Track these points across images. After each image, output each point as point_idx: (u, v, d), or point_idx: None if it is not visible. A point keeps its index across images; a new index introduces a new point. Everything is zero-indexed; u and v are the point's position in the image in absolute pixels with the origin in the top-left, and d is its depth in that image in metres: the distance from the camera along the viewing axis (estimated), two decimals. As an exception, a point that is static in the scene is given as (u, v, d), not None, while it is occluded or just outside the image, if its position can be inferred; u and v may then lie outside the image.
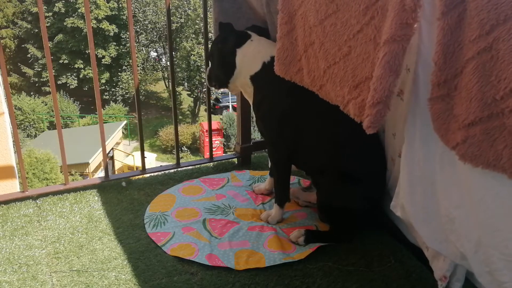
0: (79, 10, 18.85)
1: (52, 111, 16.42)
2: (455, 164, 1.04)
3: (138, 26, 19.18)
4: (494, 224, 0.99)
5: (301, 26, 1.45)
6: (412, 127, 1.17)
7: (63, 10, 19.29)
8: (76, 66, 19.63)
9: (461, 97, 0.96)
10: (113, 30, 19.68)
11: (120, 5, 19.87)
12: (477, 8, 0.89)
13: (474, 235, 1.05)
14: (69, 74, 19.86)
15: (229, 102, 17.78)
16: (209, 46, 2.02)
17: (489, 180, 0.97)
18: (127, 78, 20.02)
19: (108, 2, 19.68)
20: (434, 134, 1.06)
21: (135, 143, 16.81)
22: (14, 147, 2.28)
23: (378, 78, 1.04)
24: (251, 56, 1.76)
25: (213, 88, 2.04)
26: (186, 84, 19.54)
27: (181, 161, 2.37)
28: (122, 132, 16.55)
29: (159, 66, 21.44)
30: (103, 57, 19.42)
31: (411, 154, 1.19)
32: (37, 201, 2.03)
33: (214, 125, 14.08)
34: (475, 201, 1.02)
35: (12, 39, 20.77)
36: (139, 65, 19.50)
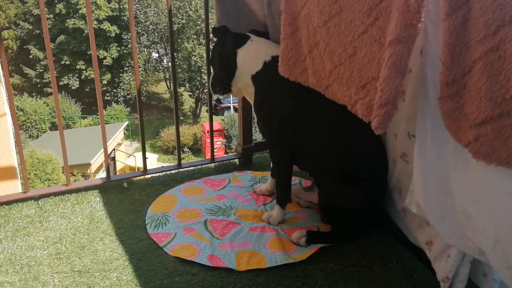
0: (80, 11, 18.89)
1: (54, 112, 16.48)
2: (468, 162, 1.04)
3: (140, 27, 19.21)
4: (510, 221, 0.98)
5: (304, 27, 1.45)
6: (423, 126, 1.17)
7: (64, 11, 19.33)
8: (77, 67, 19.68)
9: (471, 96, 0.96)
10: (114, 31, 19.71)
11: (121, 6, 19.91)
12: (482, 8, 0.89)
13: (490, 231, 1.05)
14: (71, 75, 19.90)
15: (230, 103, 17.80)
16: (211, 47, 2.03)
17: (503, 178, 0.97)
18: (129, 79, 20.05)
19: (109, 3, 19.72)
20: (446, 133, 1.06)
21: (137, 144, 16.84)
22: (16, 148, 2.28)
23: (385, 79, 1.04)
24: (252, 56, 1.76)
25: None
26: (187, 85, 19.57)
27: (182, 161, 2.37)
28: (124, 133, 16.57)
29: (161, 67, 21.47)
30: (105, 58, 19.47)
31: (423, 153, 1.19)
32: (39, 201, 2.03)
33: (216, 126, 14.08)
34: (490, 198, 1.02)
35: (14, 40, 20.83)
36: (140, 66, 19.53)
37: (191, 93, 19.96)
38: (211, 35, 2.19)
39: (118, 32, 19.95)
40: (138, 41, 19.09)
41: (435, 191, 1.20)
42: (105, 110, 17.68)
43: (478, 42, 0.92)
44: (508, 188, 0.97)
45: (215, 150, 2.53)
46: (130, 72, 20.06)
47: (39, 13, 1.95)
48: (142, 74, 19.82)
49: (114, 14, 19.85)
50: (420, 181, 1.22)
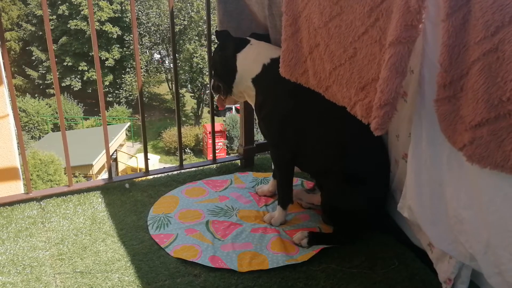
0: (83, 12, 18.94)
1: (56, 113, 16.51)
2: (463, 165, 1.03)
3: (142, 29, 19.25)
4: (504, 225, 0.98)
5: (305, 28, 1.45)
6: (419, 128, 1.17)
7: (67, 12, 19.39)
8: (80, 68, 19.73)
9: (468, 98, 0.96)
10: (116, 32, 19.76)
11: (123, 7, 19.96)
12: (481, 9, 0.89)
13: (483, 236, 1.04)
14: (73, 76, 19.95)
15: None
16: (212, 48, 2.03)
17: (497, 181, 0.96)
18: (131, 80, 20.09)
19: (111, 5, 19.77)
20: (441, 135, 1.06)
21: (139, 145, 16.86)
22: (18, 149, 2.29)
23: (385, 80, 1.04)
24: (251, 59, 1.78)
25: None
26: (189, 86, 19.60)
27: (184, 163, 2.38)
28: (126, 134, 16.59)
29: (162, 68, 21.51)
30: (107, 59, 19.50)
31: (417, 155, 1.19)
32: (41, 202, 2.04)
33: (217, 127, 14.09)
34: (484, 202, 1.01)
35: (17, 42, 20.90)
36: (142, 67, 19.57)
37: (192, 94, 19.98)
38: (213, 36, 2.20)
39: (120, 34, 19.98)
40: (140, 43, 19.12)
41: (428, 195, 1.19)
42: (107, 111, 17.73)
43: (477, 43, 0.91)
44: (503, 191, 0.96)
45: (216, 151, 2.54)
46: (132, 73, 20.10)
47: (42, 14, 1.95)
48: (144, 75, 19.86)
49: (116, 15, 19.88)
50: (414, 184, 1.22)
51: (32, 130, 16.94)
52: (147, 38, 19.76)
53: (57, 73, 2.10)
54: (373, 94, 1.14)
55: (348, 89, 1.28)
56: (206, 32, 2.28)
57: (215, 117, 2.51)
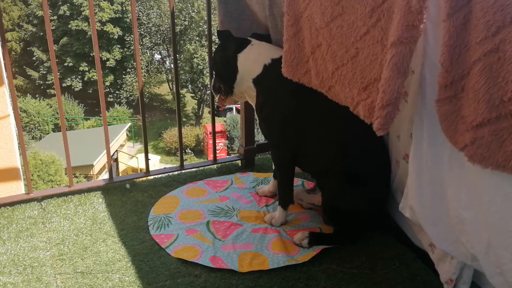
0: (83, 13, 18.96)
1: (57, 113, 16.53)
2: (464, 165, 1.03)
3: (142, 29, 19.27)
4: (505, 225, 0.98)
5: (307, 28, 1.45)
6: (420, 128, 1.17)
7: (67, 13, 19.42)
8: (80, 68, 19.75)
9: (469, 98, 0.96)
10: (117, 32, 19.78)
11: (124, 8, 19.98)
12: (482, 9, 0.89)
13: (484, 236, 1.04)
14: (74, 76, 19.98)
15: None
16: (213, 49, 2.04)
17: (498, 182, 0.96)
18: (131, 80, 20.10)
19: (112, 5, 19.80)
20: (442, 136, 1.06)
21: (139, 145, 16.86)
22: (19, 149, 2.29)
23: (387, 80, 1.04)
24: (252, 60, 1.78)
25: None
26: (189, 86, 19.62)
27: (184, 163, 2.38)
28: (126, 134, 16.60)
29: (163, 69, 21.53)
30: (108, 59, 19.53)
31: (419, 155, 1.19)
32: (42, 203, 2.04)
33: (218, 127, 14.10)
34: (485, 202, 1.01)
35: (18, 42, 20.93)
36: (143, 67, 19.58)
37: (193, 95, 20.00)
38: (214, 37, 2.21)
39: (121, 34, 20.00)
40: (141, 43, 19.14)
41: (430, 195, 1.19)
42: (108, 111, 17.74)
43: (478, 44, 0.91)
44: (504, 191, 0.96)
45: (217, 152, 2.54)
46: (132, 73, 20.12)
47: (43, 15, 1.96)
48: (144, 75, 19.86)
49: (117, 16, 19.91)
50: (415, 184, 1.22)
51: (33, 131, 16.95)
52: (147, 38, 19.77)
53: (58, 74, 2.10)
54: (375, 94, 1.14)
55: (350, 89, 1.28)
56: (206, 33, 2.28)
57: (216, 118, 2.51)
